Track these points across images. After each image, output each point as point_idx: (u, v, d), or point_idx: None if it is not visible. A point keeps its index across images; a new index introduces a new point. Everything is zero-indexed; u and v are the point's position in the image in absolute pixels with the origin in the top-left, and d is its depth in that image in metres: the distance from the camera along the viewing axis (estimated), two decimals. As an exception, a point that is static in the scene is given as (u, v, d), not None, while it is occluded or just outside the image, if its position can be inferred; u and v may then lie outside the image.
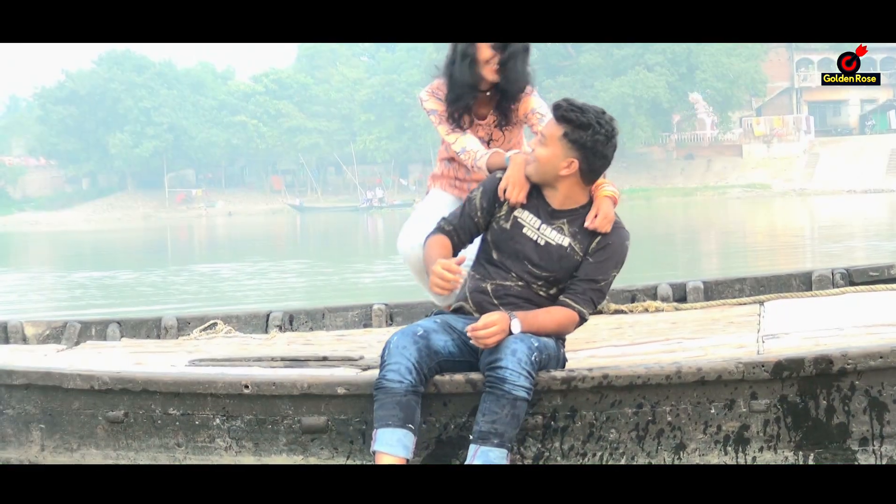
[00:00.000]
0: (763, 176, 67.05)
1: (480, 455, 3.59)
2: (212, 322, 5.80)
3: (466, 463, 3.62)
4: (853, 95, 73.17)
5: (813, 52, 72.39)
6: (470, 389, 3.78)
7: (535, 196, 3.98)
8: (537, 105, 4.62)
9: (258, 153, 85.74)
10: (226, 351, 5.15)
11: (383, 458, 3.64)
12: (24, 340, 5.74)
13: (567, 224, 3.93)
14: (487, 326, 3.68)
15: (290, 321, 5.87)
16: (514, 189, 3.99)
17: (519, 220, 3.97)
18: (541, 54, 70.12)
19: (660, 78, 66.19)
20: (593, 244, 3.91)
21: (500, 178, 4.04)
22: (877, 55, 68.51)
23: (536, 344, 3.71)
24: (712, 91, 67.99)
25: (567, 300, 3.89)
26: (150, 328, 5.80)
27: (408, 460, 3.67)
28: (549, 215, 3.95)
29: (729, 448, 3.72)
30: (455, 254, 4.04)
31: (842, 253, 18.54)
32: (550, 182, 3.93)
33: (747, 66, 66.85)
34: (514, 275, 3.94)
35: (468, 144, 4.62)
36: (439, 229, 4.09)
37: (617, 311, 5.55)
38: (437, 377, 3.81)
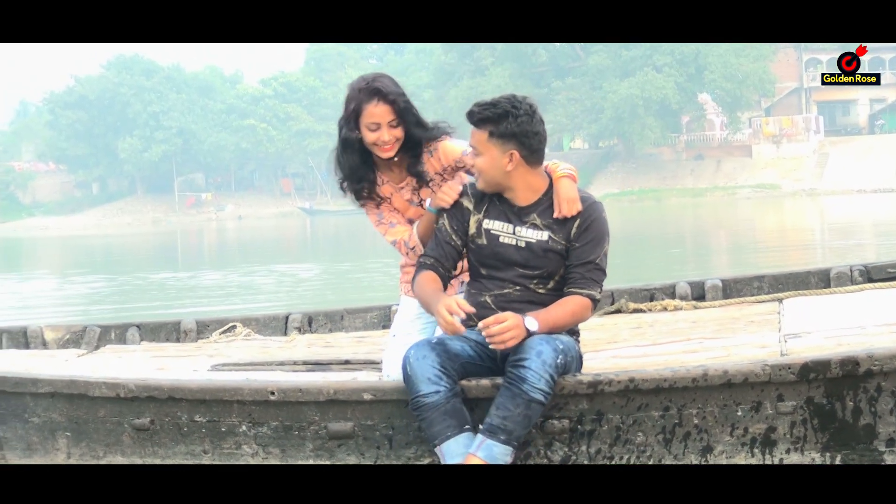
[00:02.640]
0: (773, 176, 66.86)
1: (485, 447, 3.59)
2: (231, 325, 5.80)
3: (471, 451, 3.60)
4: (862, 95, 72.85)
5: (821, 52, 72.10)
6: (496, 394, 3.76)
7: (499, 202, 3.97)
8: (460, 145, 4.23)
9: (267, 156, 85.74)
10: (246, 354, 5.15)
11: None
12: (44, 345, 5.74)
13: (539, 217, 3.92)
14: (500, 321, 3.66)
15: (310, 323, 5.86)
16: (444, 194, 4.02)
17: (491, 231, 3.96)
18: (549, 56, 70.09)
19: (668, 79, 65.99)
20: (573, 229, 3.89)
21: (457, 199, 4.03)
22: (886, 54, 68.34)
23: (561, 346, 3.72)
24: (721, 91, 67.73)
25: (572, 289, 3.89)
26: (169, 331, 5.80)
27: None
28: (518, 216, 3.94)
29: (756, 450, 3.71)
30: (444, 283, 4.02)
31: (855, 251, 18.49)
32: (503, 183, 3.92)
33: (756, 66, 66.57)
34: (509, 283, 3.93)
35: (396, 235, 4.32)
36: (422, 266, 4.05)
37: (636, 310, 5.55)
38: (464, 382, 3.81)
